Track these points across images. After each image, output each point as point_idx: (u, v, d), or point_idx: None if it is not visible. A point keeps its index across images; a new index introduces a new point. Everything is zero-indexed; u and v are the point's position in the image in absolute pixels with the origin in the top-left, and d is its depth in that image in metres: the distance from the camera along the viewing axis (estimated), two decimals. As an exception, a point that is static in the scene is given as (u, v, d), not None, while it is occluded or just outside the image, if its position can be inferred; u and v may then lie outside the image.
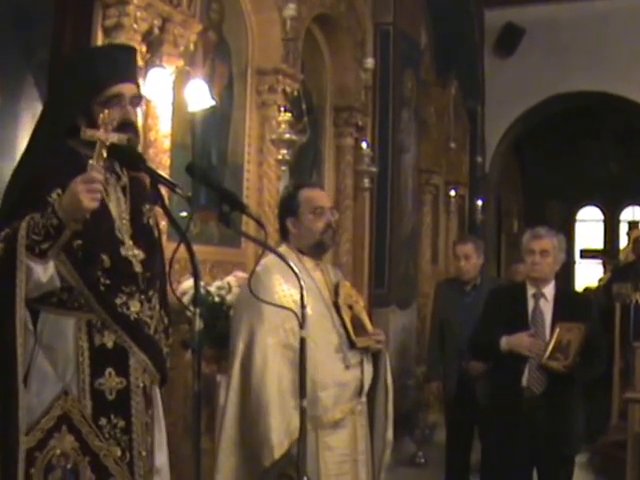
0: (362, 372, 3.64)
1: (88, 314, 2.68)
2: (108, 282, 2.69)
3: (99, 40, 4.40)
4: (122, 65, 2.81)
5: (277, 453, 3.37)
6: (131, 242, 2.78)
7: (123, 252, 2.75)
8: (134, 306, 2.75)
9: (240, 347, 3.50)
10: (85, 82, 2.73)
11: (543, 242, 4.70)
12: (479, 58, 11.23)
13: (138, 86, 2.86)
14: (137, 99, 2.82)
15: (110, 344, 2.70)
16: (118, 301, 2.71)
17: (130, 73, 2.85)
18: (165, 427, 3.01)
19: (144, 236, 2.84)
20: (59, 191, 2.57)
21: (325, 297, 3.65)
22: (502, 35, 11.30)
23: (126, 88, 2.76)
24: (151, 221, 2.92)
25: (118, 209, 2.78)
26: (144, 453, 2.77)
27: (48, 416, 2.62)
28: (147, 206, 2.91)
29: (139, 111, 2.96)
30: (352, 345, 3.60)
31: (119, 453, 2.69)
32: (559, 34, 10.98)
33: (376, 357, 3.76)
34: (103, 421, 2.68)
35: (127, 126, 2.71)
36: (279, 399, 3.41)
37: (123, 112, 2.72)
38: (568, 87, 11.15)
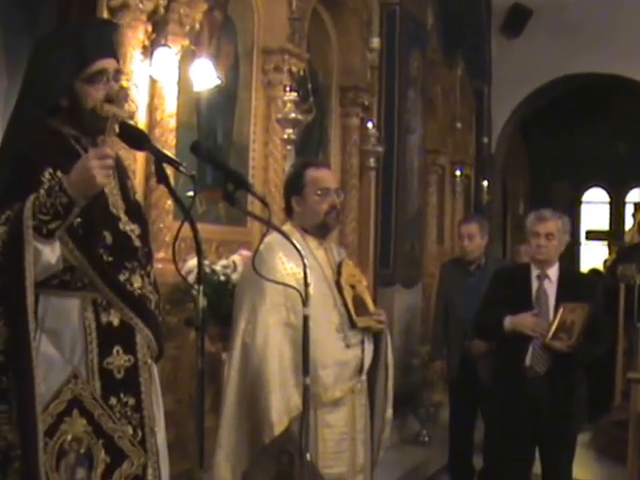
0: (362, 351, 3.67)
1: (92, 293, 2.65)
2: (111, 259, 2.66)
3: (105, 20, 4.39)
4: (105, 40, 2.76)
5: (277, 430, 3.41)
6: (126, 217, 2.76)
7: (122, 227, 2.72)
8: (136, 282, 2.72)
9: (242, 325, 3.53)
10: (68, 58, 2.67)
11: (548, 225, 4.71)
12: (486, 39, 11.17)
13: (119, 62, 2.82)
14: (119, 74, 2.79)
15: (116, 322, 2.68)
16: (122, 277, 2.69)
17: (113, 48, 2.80)
18: (168, 405, 3.02)
19: (135, 211, 2.83)
20: (50, 171, 2.55)
21: (327, 276, 3.67)
22: (509, 16, 11.23)
23: (109, 63, 2.71)
24: (137, 197, 2.92)
25: (109, 185, 2.73)
26: (155, 429, 2.77)
27: (58, 400, 2.59)
28: (130, 183, 2.91)
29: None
30: (353, 325, 3.63)
31: (131, 431, 2.68)
32: (566, 15, 10.91)
33: (377, 336, 3.78)
34: (113, 400, 2.66)
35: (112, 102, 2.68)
36: (279, 377, 3.44)
37: (108, 88, 2.68)
38: (575, 68, 11.10)
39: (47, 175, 2.55)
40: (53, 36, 2.98)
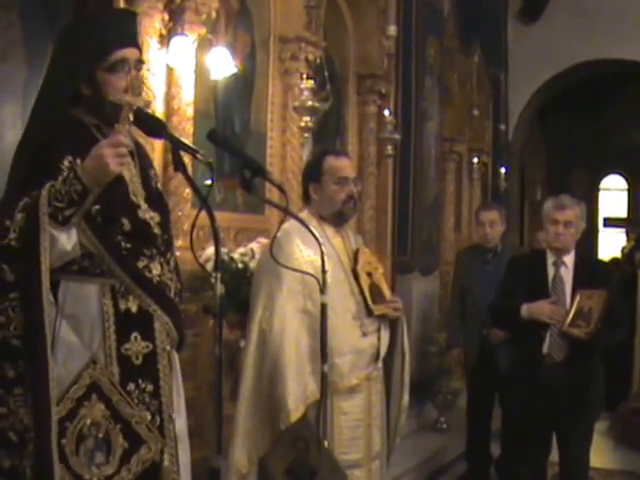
0: (379, 339, 3.68)
1: (111, 279, 2.67)
2: (129, 246, 2.68)
3: (121, 8, 4.40)
4: (126, 29, 2.78)
5: (293, 417, 3.43)
6: (146, 205, 2.77)
7: (141, 215, 2.74)
8: (155, 269, 2.74)
9: (259, 312, 3.54)
10: (90, 47, 2.70)
11: (567, 213, 4.68)
12: (503, 25, 11.09)
13: (140, 51, 2.84)
14: (140, 64, 2.80)
15: (134, 308, 2.70)
16: (140, 265, 2.70)
17: (133, 37, 2.82)
18: (187, 392, 3.02)
19: (156, 199, 2.84)
20: (70, 158, 2.58)
21: (344, 264, 3.68)
22: (526, 1, 11.17)
23: (130, 52, 2.73)
24: (159, 185, 2.94)
25: (129, 173, 2.76)
26: (173, 416, 2.79)
27: (77, 385, 2.61)
28: (152, 171, 2.92)
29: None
30: (369, 312, 3.64)
31: (149, 417, 2.70)
32: (584, 0, 10.84)
33: (393, 323, 3.79)
34: (131, 386, 2.68)
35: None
36: (296, 364, 3.46)
37: (129, 77, 2.70)
38: (593, 54, 11.00)
39: (66, 163, 2.58)
40: (74, 26, 2.99)
